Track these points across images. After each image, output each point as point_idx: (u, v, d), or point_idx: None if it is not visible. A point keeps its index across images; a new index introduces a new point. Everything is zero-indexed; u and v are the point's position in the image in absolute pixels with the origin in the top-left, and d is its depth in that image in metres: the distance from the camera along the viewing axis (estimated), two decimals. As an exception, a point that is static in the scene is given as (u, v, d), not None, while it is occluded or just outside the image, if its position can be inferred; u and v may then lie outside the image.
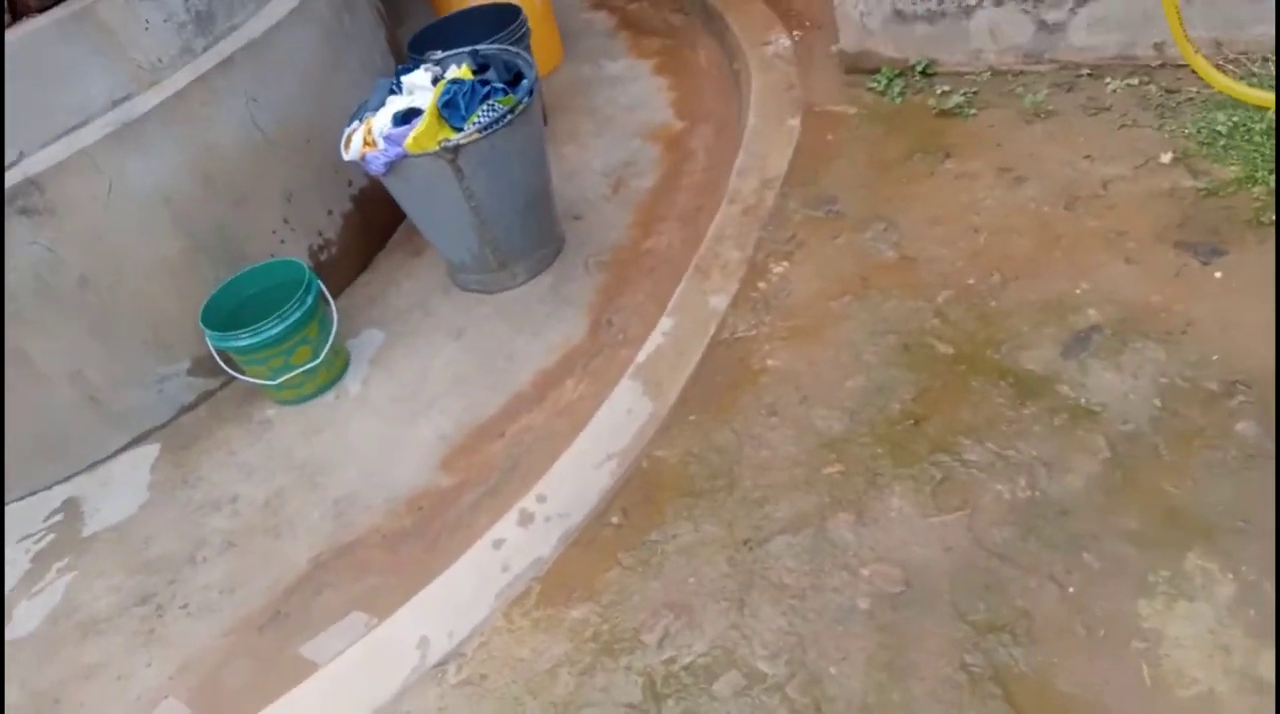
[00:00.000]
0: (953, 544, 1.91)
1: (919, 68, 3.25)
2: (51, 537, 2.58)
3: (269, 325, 2.51)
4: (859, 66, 3.39)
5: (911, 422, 2.17)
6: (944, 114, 3.07)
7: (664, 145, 3.46)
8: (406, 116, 2.68)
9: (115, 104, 2.54)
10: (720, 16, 4.02)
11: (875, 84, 3.29)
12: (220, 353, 2.64)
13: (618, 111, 3.74)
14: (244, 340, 2.51)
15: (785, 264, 2.71)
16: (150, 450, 2.73)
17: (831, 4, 3.37)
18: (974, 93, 3.09)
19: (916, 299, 2.47)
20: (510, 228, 2.85)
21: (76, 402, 2.62)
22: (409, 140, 2.60)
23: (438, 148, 2.60)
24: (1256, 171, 2.45)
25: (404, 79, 2.86)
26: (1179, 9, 2.58)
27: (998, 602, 1.80)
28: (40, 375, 2.57)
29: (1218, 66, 2.68)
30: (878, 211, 2.78)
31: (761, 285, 2.66)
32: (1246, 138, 2.56)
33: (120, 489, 2.63)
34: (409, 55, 3.46)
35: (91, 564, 2.47)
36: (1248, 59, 2.76)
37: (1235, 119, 2.60)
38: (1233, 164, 2.51)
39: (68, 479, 2.72)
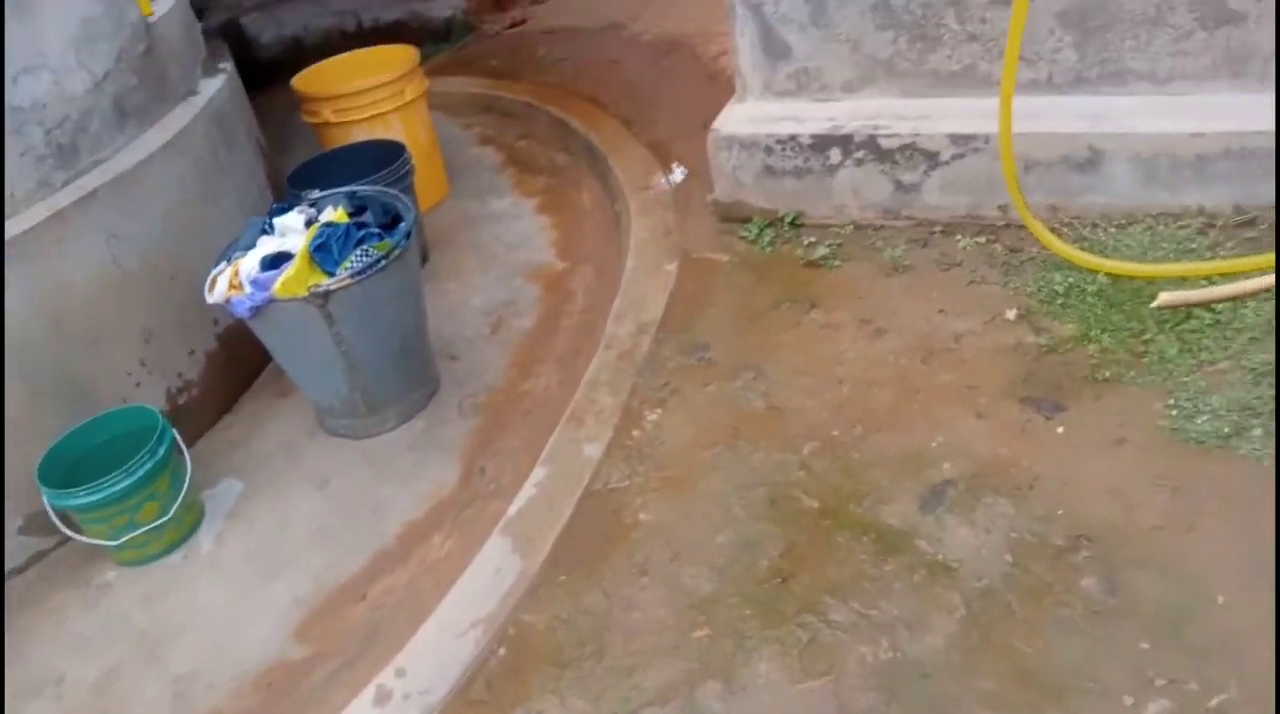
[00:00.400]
0: (819, 712, 1.91)
1: (788, 219, 3.42)
2: None
3: (113, 480, 2.38)
4: (732, 215, 3.54)
5: (779, 580, 2.18)
6: (811, 264, 3.21)
7: (545, 285, 3.51)
8: (276, 260, 2.65)
9: (-42, 243, 2.43)
10: (604, 158, 4.17)
11: (747, 233, 3.43)
12: (57, 511, 2.47)
13: (501, 249, 3.79)
14: (83, 497, 2.36)
15: (659, 411, 2.75)
16: (-30, 618, 2.51)
17: (707, 154, 3.54)
18: (838, 245, 3.26)
19: (783, 451, 2.52)
20: (382, 372, 2.81)
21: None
22: (277, 285, 2.56)
23: (307, 293, 2.56)
24: (1090, 330, 2.64)
25: (276, 221, 2.83)
26: (1018, 177, 2.81)
27: (862, 773, 1.79)
28: None
29: (1053, 230, 2.91)
30: (747, 360, 2.86)
31: (636, 433, 2.68)
32: (1080, 297, 2.75)
33: (-69, 664, 2.40)
34: (288, 190, 3.43)
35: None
36: (1080, 223, 3.01)
37: (1071, 280, 2.81)
38: (1070, 322, 2.69)
39: None
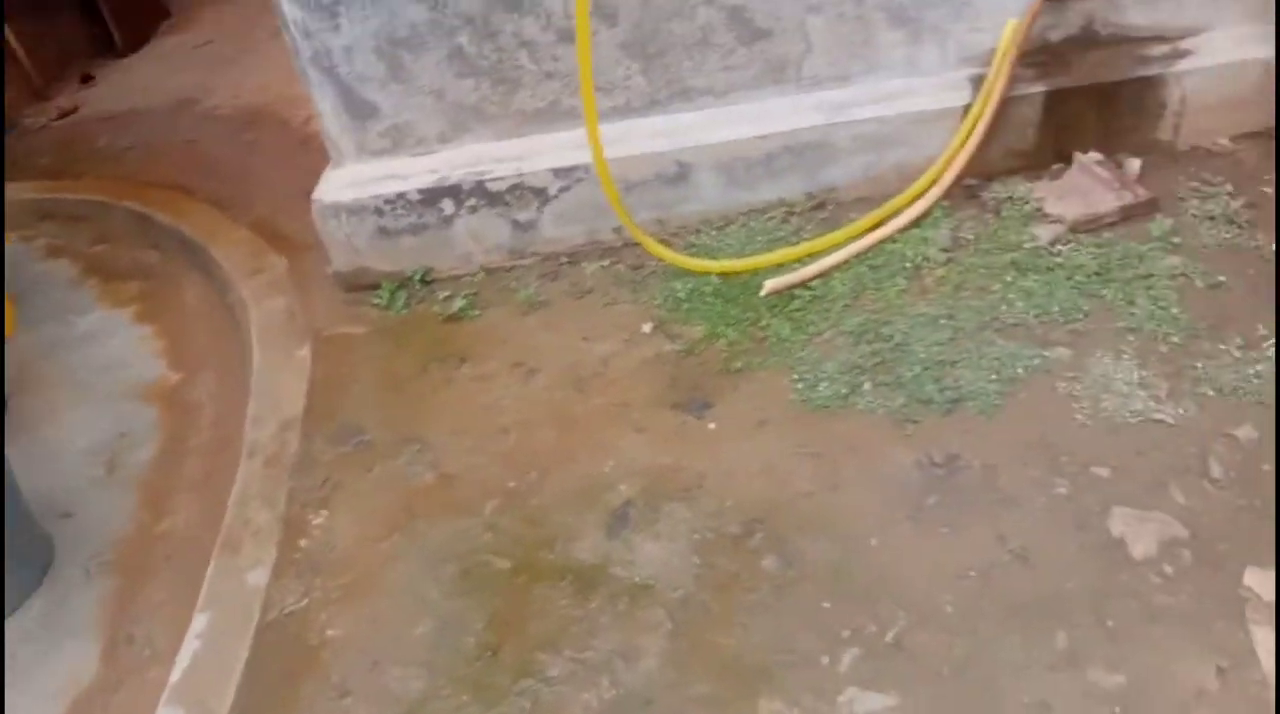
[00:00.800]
0: (558, 776, 1.86)
1: (417, 277, 3.34)
2: None
3: None
4: (358, 284, 3.39)
5: (489, 653, 2.11)
6: (451, 319, 3.16)
7: (161, 405, 3.13)
8: None
9: None
10: (202, 249, 3.81)
11: (379, 299, 3.30)
12: None
13: (97, 374, 3.32)
14: None
15: (325, 513, 2.55)
16: None
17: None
18: (474, 294, 3.24)
19: (465, 517, 2.45)
20: (-30, 558, 2.34)
21: None
22: None
23: None
24: (716, 327, 2.85)
25: None
26: (620, 199, 2.96)
27: (613, 823, 1.77)
28: None
29: (663, 241, 3.10)
30: (408, 432, 2.75)
31: (304, 543, 2.46)
32: (701, 299, 2.96)
33: None
34: None
35: None
36: (685, 231, 3.24)
37: (690, 285, 3.01)
38: (697, 324, 2.89)
39: None
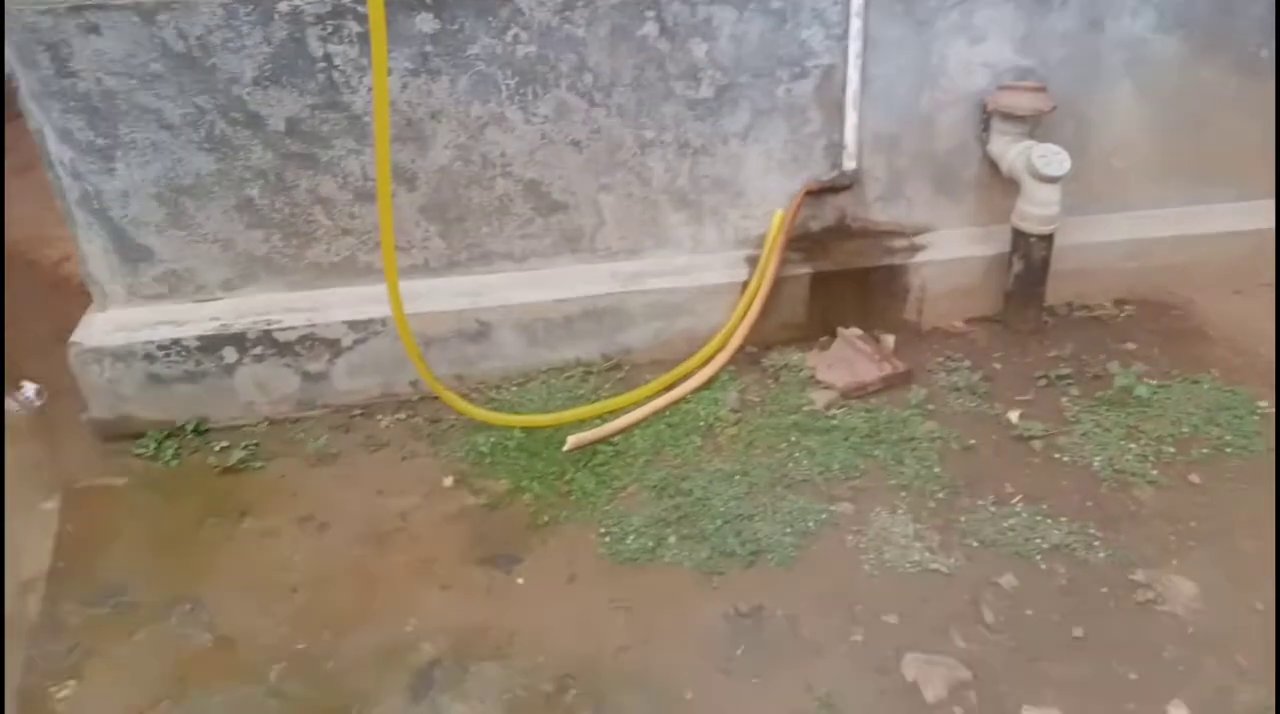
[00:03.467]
0: None
1: (190, 427, 3.10)
2: None
3: None
4: (119, 433, 3.09)
5: (277, 839, 1.87)
6: (229, 470, 2.94)
7: None
8: None
9: None
10: (-84, 390, 3.33)
11: (144, 448, 3.02)
12: None
13: None
14: None
15: (73, 683, 2.21)
16: None
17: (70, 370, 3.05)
18: (256, 444, 3.05)
19: (247, 684, 2.21)
20: None
21: None
22: None
23: None
24: (521, 481, 2.85)
25: None
26: (421, 355, 2.95)
27: None
28: None
29: (464, 396, 3.11)
30: (179, 591, 2.48)
31: (44, 723, 2.11)
32: (505, 453, 2.97)
33: None
34: None
35: None
36: (485, 386, 3.27)
37: (493, 439, 3.01)
38: (502, 478, 2.88)
39: None
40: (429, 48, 2.90)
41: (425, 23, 2.86)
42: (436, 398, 3.08)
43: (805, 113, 3.21)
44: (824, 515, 2.65)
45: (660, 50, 3.03)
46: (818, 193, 3.31)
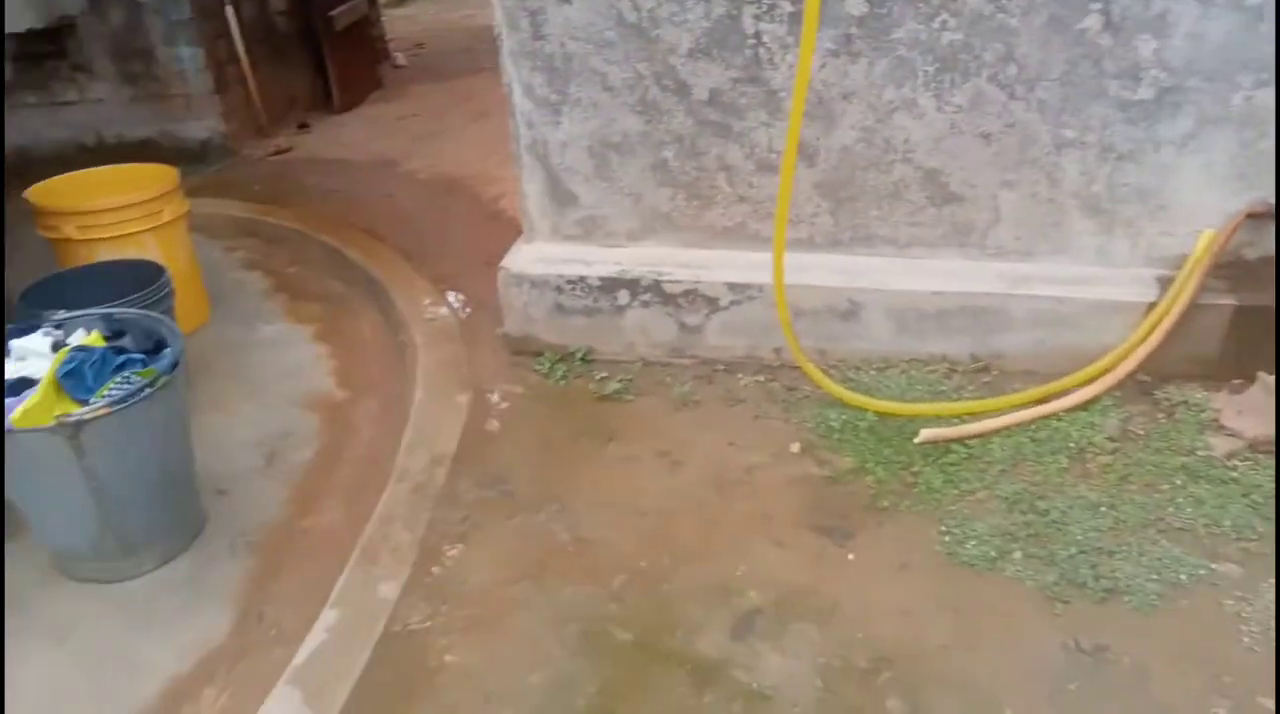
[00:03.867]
0: None
1: (579, 354, 3.49)
2: None
3: None
4: (524, 349, 3.56)
5: (599, 718, 2.10)
6: (604, 399, 3.27)
7: (324, 416, 3.30)
8: (16, 387, 2.31)
9: None
10: (384, 290, 4.07)
11: (540, 367, 3.45)
12: None
13: (272, 378, 3.54)
14: None
15: (460, 547, 2.62)
16: None
17: (495, 289, 3.56)
18: (630, 380, 3.35)
19: (593, 584, 2.47)
20: (139, 509, 2.48)
21: None
22: (16, 414, 2.23)
23: (54, 423, 2.24)
24: (866, 462, 2.86)
25: (14, 343, 2.49)
26: (790, 324, 3.06)
27: None
28: None
29: (824, 371, 3.17)
30: (549, 493, 2.82)
31: (436, 570, 2.53)
32: (854, 433, 3.00)
33: None
34: (20, 310, 3.02)
35: None
36: (844, 365, 3.31)
37: (844, 417, 3.05)
38: (847, 455, 2.91)
39: None
40: (854, 30, 2.96)
41: (856, 6, 2.92)
42: (797, 367, 3.18)
43: (1263, 125, 2.84)
44: (1202, 571, 2.38)
45: (1100, 45, 2.83)
46: (1262, 217, 2.91)
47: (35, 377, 2.36)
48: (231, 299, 4.14)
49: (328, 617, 2.32)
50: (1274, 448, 2.70)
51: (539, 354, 3.52)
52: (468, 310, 3.89)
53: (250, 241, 4.77)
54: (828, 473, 2.85)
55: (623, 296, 3.43)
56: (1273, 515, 2.52)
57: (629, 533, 2.65)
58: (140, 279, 3.21)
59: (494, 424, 3.15)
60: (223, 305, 4.07)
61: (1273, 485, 2.60)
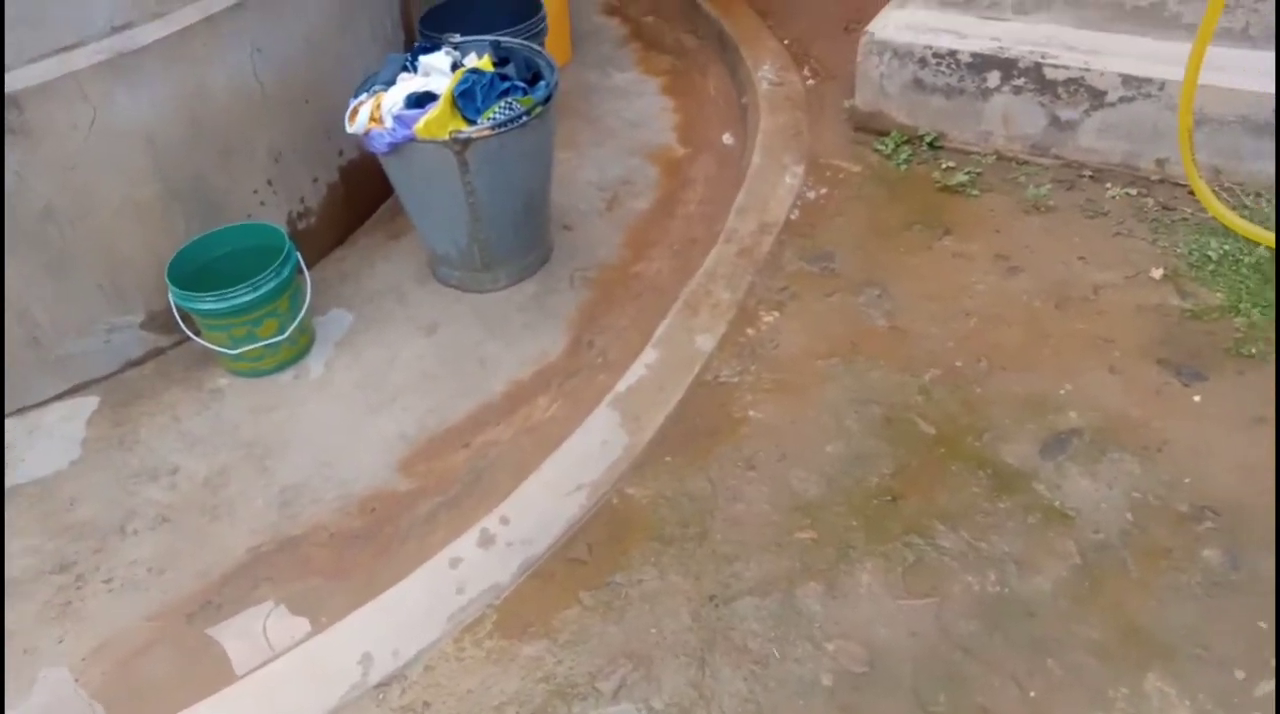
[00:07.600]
0: (919, 630, 1.90)
1: (927, 139, 3.28)
2: (-35, 479, 2.40)
3: (239, 292, 2.38)
4: (869, 126, 3.40)
5: (889, 497, 2.16)
6: (946, 189, 3.09)
7: (663, 168, 3.42)
8: (420, 100, 2.57)
9: (115, 30, 2.36)
10: (735, 48, 4.00)
11: (882, 147, 3.30)
12: (180, 311, 2.49)
13: (620, 125, 3.68)
14: (210, 303, 2.37)
15: (776, 314, 2.69)
16: (87, 402, 2.55)
17: (848, 57, 3.38)
18: (978, 173, 3.12)
19: (903, 373, 2.46)
20: (503, 229, 2.77)
21: (17, 340, 2.44)
22: (419, 125, 2.50)
23: (448, 137, 2.50)
24: (1240, 302, 2.52)
25: (422, 59, 2.75)
26: (1191, 132, 2.65)
27: (959, 696, 1.79)
28: (-19, 305, 2.39)
29: (1215, 193, 2.75)
30: (872, 276, 2.78)
31: (750, 332, 2.63)
32: (1234, 268, 2.63)
33: (50, 440, 2.45)
34: (420, 32, 3.34)
35: (9, 520, 2.29)
36: (1242, 190, 2.85)
37: (1226, 248, 2.68)
38: (1219, 291, 2.58)
39: (-10, 419, 2.54)
40: None
41: None
42: (1181, 184, 2.79)
43: None
44: None
45: None
46: None
47: (436, 92, 2.61)
48: (590, 42, 4.27)
49: (649, 355, 2.52)
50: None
51: (884, 133, 3.35)
52: (816, 78, 3.75)
53: (612, -13, 4.82)
54: (1190, 306, 2.54)
55: (993, 78, 3.12)
56: None
57: (948, 329, 2.57)
58: (521, 11, 3.39)
59: (826, 200, 3.10)
60: (582, 47, 4.21)
61: None
